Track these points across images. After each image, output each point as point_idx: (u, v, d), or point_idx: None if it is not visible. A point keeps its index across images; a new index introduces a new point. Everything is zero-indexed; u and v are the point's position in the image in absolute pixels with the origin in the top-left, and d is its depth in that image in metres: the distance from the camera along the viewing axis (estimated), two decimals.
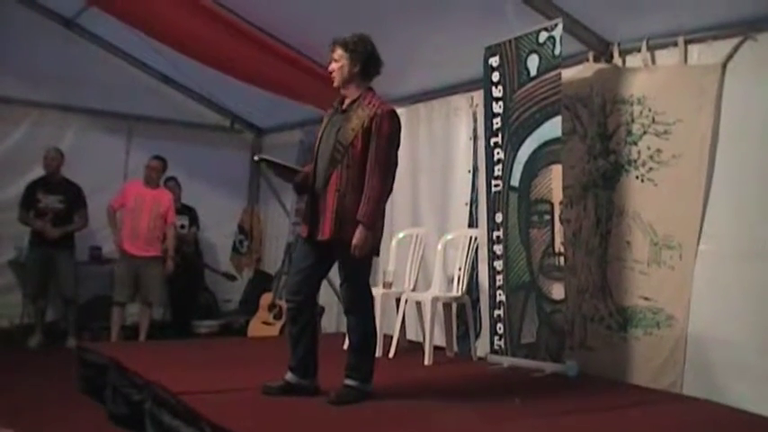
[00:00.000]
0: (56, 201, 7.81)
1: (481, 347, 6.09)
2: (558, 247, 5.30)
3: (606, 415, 4.29)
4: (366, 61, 4.34)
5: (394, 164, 4.34)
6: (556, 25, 5.23)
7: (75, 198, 7.93)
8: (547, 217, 5.37)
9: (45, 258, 7.77)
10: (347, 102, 4.38)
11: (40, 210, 7.76)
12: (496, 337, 5.77)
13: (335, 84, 4.39)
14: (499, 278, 5.75)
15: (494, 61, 5.78)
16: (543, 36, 5.33)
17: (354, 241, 4.15)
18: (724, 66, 4.74)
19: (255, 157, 4.62)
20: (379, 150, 4.21)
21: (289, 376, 4.40)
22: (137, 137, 9.12)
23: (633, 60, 5.33)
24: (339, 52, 4.34)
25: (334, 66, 4.37)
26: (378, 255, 4.45)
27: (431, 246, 6.46)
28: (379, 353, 5.75)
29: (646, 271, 5.10)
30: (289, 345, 4.45)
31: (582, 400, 4.60)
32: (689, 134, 4.89)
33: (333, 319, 8.03)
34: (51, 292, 7.96)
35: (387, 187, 4.29)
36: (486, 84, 5.86)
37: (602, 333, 5.33)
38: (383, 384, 4.52)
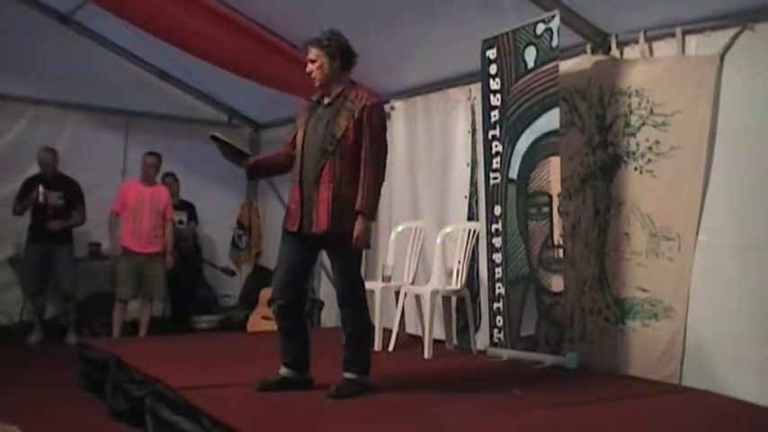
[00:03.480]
0: (56, 197, 7.80)
1: (481, 340, 6.09)
2: (557, 239, 5.30)
3: (605, 406, 4.30)
4: (343, 55, 4.38)
5: (385, 153, 4.39)
6: (553, 17, 5.22)
7: (73, 194, 7.93)
8: (545, 209, 5.37)
9: (44, 254, 7.77)
10: (331, 96, 4.40)
11: (40, 205, 7.76)
12: (496, 330, 5.77)
13: (317, 83, 4.41)
14: (498, 271, 5.75)
15: (491, 54, 5.77)
16: (541, 28, 5.33)
17: (356, 232, 4.19)
18: (722, 57, 4.73)
19: (212, 132, 4.62)
20: (373, 141, 4.27)
21: (284, 371, 4.41)
22: (134, 133, 9.11)
23: (631, 52, 5.31)
24: (315, 52, 4.36)
25: (311, 66, 4.38)
26: (369, 247, 4.48)
27: (430, 239, 6.46)
28: (378, 346, 5.78)
29: (644, 263, 5.10)
30: (281, 341, 4.46)
31: (581, 392, 4.61)
32: (687, 125, 4.88)
33: (332, 313, 8.03)
34: (50, 288, 7.95)
35: (381, 176, 4.34)
36: (483, 76, 5.86)
37: (601, 325, 5.33)
38: (383, 378, 4.54)
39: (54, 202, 7.78)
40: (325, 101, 4.42)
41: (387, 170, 4.41)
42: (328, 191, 4.23)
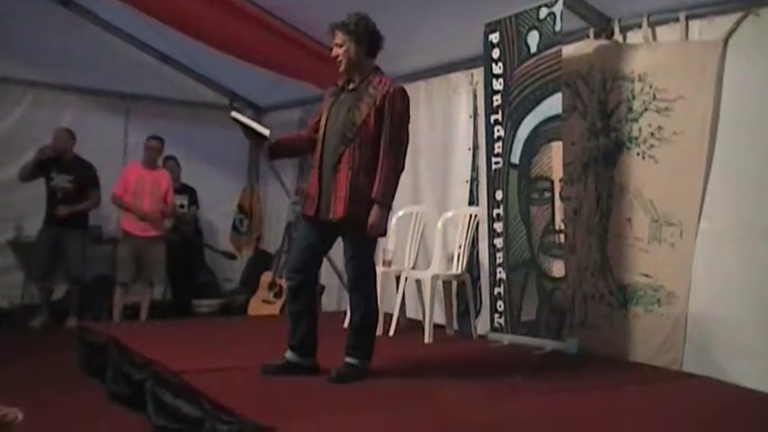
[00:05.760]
0: (66, 180, 7.76)
1: (481, 325, 6.09)
2: (559, 224, 5.29)
3: (606, 392, 4.31)
4: (370, 40, 4.34)
5: (406, 141, 4.37)
6: (556, 1, 5.19)
7: (85, 178, 7.88)
8: (547, 194, 5.36)
9: (54, 238, 7.76)
10: (355, 81, 4.37)
11: (51, 188, 7.74)
12: (497, 315, 5.77)
13: (342, 68, 4.36)
14: (499, 256, 5.74)
15: (494, 38, 5.74)
16: (544, 12, 5.30)
17: (371, 220, 4.18)
18: (725, 42, 4.71)
19: (232, 114, 4.56)
20: (393, 129, 4.24)
21: (289, 355, 4.40)
22: (135, 116, 9.11)
23: (634, 37, 5.29)
24: (341, 36, 4.32)
25: (338, 51, 4.34)
26: (384, 235, 4.47)
27: (431, 224, 6.45)
28: (379, 331, 5.74)
29: (646, 248, 5.09)
30: (289, 323, 4.45)
31: (582, 378, 4.61)
32: (690, 111, 4.87)
33: (333, 297, 8.04)
34: (59, 272, 7.94)
35: (400, 165, 4.32)
36: (486, 61, 5.83)
37: (603, 311, 5.33)
38: (384, 362, 4.54)
39: (63, 185, 7.75)
40: (350, 86, 4.39)
41: None
42: (346, 178, 4.22)
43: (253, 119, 4.79)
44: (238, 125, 4.52)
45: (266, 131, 4.51)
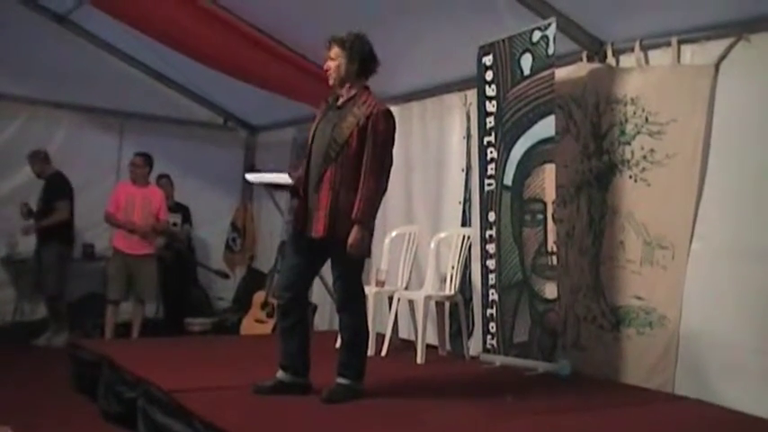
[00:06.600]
0: (39, 198, 7.82)
1: (474, 346, 6.09)
2: (551, 246, 5.30)
3: (598, 414, 4.31)
4: (363, 60, 4.33)
5: (389, 163, 4.34)
6: (549, 24, 5.23)
7: (52, 191, 7.84)
8: (540, 216, 5.37)
9: (36, 254, 7.82)
10: (343, 99, 4.37)
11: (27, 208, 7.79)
12: (489, 336, 5.77)
13: (331, 82, 4.37)
14: (492, 277, 5.75)
15: (487, 60, 5.78)
16: (537, 35, 5.33)
17: (350, 241, 4.15)
18: (717, 66, 4.75)
19: (248, 177, 4.60)
20: (375, 150, 4.22)
21: (280, 374, 4.39)
22: (129, 134, 9.11)
23: (627, 60, 5.33)
24: (336, 50, 4.32)
25: (330, 64, 4.34)
26: (369, 256, 4.45)
27: (424, 244, 6.46)
28: (371, 351, 5.74)
29: (638, 270, 5.10)
30: (279, 342, 4.44)
31: (574, 400, 4.61)
32: (682, 134, 4.90)
33: (326, 316, 8.03)
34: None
35: (382, 187, 4.29)
36: (479, 83, 5.86)
37: (595, 332, 5.34)
38: (376, 383, 4.53)
39: (37, 202, 7.77)
40: (338, 103, 4.39)
41: None
42: (328, 197, 4.20)
43: (269, 170, 4.80)
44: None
45: (288, 180, 4.50)
